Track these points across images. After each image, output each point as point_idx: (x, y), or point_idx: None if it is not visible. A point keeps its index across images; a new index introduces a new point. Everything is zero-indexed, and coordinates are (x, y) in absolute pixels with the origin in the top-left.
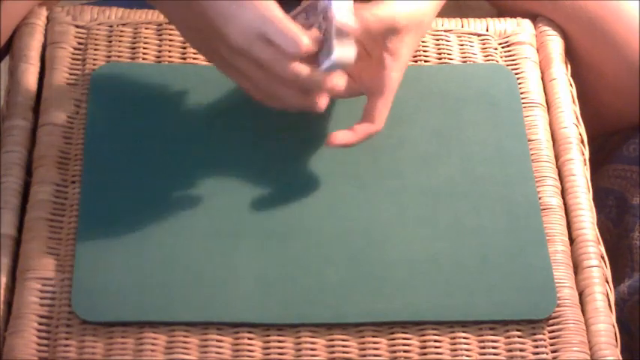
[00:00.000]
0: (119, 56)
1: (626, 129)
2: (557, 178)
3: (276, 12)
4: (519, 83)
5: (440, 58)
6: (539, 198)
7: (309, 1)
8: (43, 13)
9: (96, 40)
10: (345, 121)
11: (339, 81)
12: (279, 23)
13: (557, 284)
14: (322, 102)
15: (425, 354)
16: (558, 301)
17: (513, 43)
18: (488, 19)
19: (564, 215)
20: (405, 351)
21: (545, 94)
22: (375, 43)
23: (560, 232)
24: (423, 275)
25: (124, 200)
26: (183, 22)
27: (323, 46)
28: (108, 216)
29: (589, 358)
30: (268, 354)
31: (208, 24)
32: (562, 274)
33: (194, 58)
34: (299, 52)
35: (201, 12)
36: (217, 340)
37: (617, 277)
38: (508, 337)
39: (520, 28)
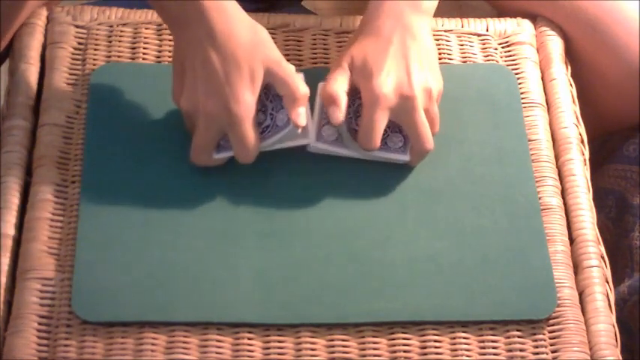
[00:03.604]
0: (119, 56)
1: (626, 129)
2: (557, 178)
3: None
4: (519, 83)
5: (440, 58)
6: (539, 198)
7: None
8: (43, 13)
9: (96, 40)
10: None
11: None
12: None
13: (557, 284)
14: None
15: (425, 354)
16: (558, 301)
17: (513, 43)
18: (488, 19)
19: (564, 215)
20: (405, 351)
21: (545, 94)
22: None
23: (560, 232)
24: (423, 275)
25: (124, 200)
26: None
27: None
28: (108, 216)
29: (589, 358)
30: (268, 354)
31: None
32: (562, 274)
33: None
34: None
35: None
36: (217, 340)
37: (617, 277)
38: (508, 337)
39: (520, 28)
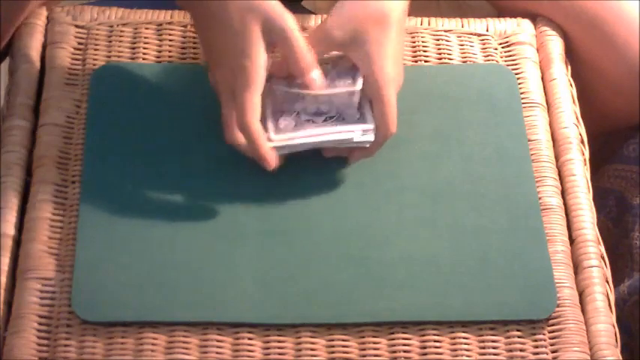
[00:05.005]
0: (119, 56)
1: (626, 129)
2: (557, 178)
3: None
4: (519, 83)
5: (440, 58)
6: (539, 198)
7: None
8: (43, 13)
9: (96, 40)
10: None
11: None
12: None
13: (557, 284)
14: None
15: (425, 354)
16: (558, 301)
17: (513, 43)
18: (489, 19)
19: (564, 215)
20: (405, 351)
21: (545, 94)
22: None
23: (560, 232)
24: (423, 275)
25: (124, 200)
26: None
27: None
28: (108, 216)
29: (589, 358)
30: (268, 354)
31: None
32: (562, 274)
33: (194, 59)
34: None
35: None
36: (217, 340)
37: (617, 277)
38: (508, 337)
39: (520, 28)
